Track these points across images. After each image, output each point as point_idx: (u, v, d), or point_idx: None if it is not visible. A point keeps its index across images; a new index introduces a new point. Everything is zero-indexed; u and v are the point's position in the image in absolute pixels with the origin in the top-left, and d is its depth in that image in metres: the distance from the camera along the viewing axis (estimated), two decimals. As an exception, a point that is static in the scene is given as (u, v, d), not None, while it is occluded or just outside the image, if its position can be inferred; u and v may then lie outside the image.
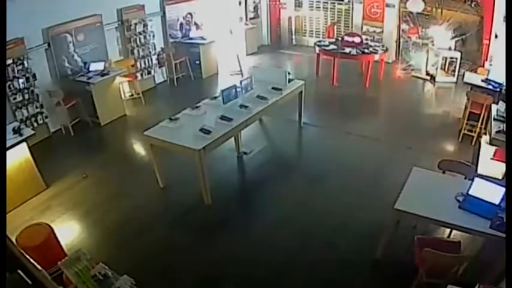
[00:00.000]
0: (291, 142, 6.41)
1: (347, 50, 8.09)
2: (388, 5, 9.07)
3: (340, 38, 8.72)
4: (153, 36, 8.12)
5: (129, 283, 2.81)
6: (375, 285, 3.77)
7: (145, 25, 7.83)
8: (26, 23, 5.69)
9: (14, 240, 2.95)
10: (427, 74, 8.48)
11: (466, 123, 5.89)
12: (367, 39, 8.73)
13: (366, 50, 8.04)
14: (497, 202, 3.31)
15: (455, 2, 8.20)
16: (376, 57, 8.09)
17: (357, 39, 8.26)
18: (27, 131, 4.88)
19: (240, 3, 10.33)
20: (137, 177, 5.38)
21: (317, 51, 8.56)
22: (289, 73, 6.09)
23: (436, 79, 8.20)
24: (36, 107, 6.15)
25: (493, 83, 6.03)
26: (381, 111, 7.63)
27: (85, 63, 6.81)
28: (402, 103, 7.52)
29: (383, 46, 8.35)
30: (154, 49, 8.23)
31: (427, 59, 8.45)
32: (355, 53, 8.02)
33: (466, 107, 5.94)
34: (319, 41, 8.94)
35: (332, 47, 8.36)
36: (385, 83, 8.44)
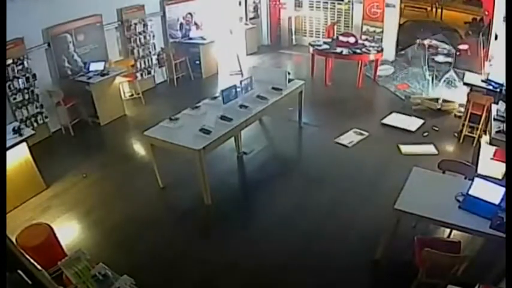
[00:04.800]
0: (291, 142, 6.41)
1: (338, 50, 8.05)
2: (388, 5, 9.07)
3: (335, 38, 8.70)
4: (153, 36, 8.12)
5: (129, 283, 2.82)
6: (374, 285, 3.77)
7: (145, 25, 7.84)
8: (26, 23, 5.69)
9: (14, 240, 2.95)
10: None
11: (466, 125, 5.87)
12: (366, 39, 8.71)
13: (358, 50, 7.99)
14: (497, 202, 3.30)
15: (455, 1, 8.20)
16: (371, 57, 8.06)
17: (351, 39, 8.23)
18: (27, 131, 4.87)
19: (240, 3, 10.34)
20: (137, 177, 5.38)
21: (311, 51, 8.53)
22: (289, 73, 6.09)
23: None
24: (36, 107, 6.15)
25: (493, 84, 6.02)
26: (379, 111, 7.51)
27: (85, 63, 6.81)
28: (400, 103, 7.47)
29: (378, 46, 8.28)
30: (154, 49, 8.24)
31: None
32: (347, 53, 7.97)
33: (466, 108, 5.92)
34: (314, 41, 8.91)
35: (325, 46, 8.32)
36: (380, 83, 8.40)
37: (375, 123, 6.60)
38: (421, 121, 6.53)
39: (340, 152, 5.86)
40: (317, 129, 6.58)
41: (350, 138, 6.14)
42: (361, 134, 6.25)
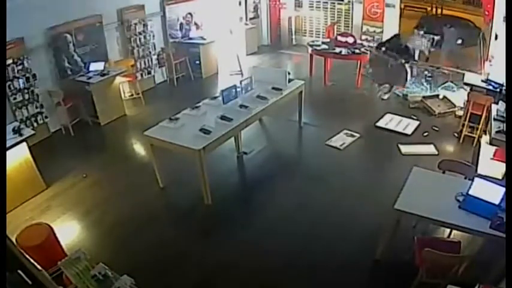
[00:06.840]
0: (291, 142, 6.41)
1: (337, 50, 8.06)
2: (388, 5, 9.06)
3: (333, 38, 8.70)
4: (153, 36, 8.13)
5: (129, 283, 2.82)
6: (374, 285, 3.77)
7: (145, 25, 7.83)
8: (26, 23, 5.68)
9: (14, 240, 2.95)
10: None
11: (466, 125, 5.87)
12: (366, 39, 8.69)
13: (357, 50, 8.00)
14: (497, 202, 3.30)
15: (455, 1, 8.19)
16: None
17: (350, 40, 8.22)
18: (27, 131, 4.88)
19: (240, 3, 10.33)
20: (137, 177, 5.37)
21: (309, 51, 8.52)
22: (289, 73, 6.09)
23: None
24: (36, 107, 6.15)
25: (493, 84, 6.02)
26: (377, 111, 7.49)
27: (85, 63, 6.81)
28: (398, 104, 7.44)
29: None
30: (154, 49, 8.24)
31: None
32: (345, 53, 7.98)
33: (467, 108, 5.91)
34: (312, 41, 8.90)
35: (323, 47, 8.32)
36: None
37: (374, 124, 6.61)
38: (417, 122, 6.52)
39: (340, 152, 5.86)
40: (317, 129, 6.58)
41: (351, 138, 6.15)
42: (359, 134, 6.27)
